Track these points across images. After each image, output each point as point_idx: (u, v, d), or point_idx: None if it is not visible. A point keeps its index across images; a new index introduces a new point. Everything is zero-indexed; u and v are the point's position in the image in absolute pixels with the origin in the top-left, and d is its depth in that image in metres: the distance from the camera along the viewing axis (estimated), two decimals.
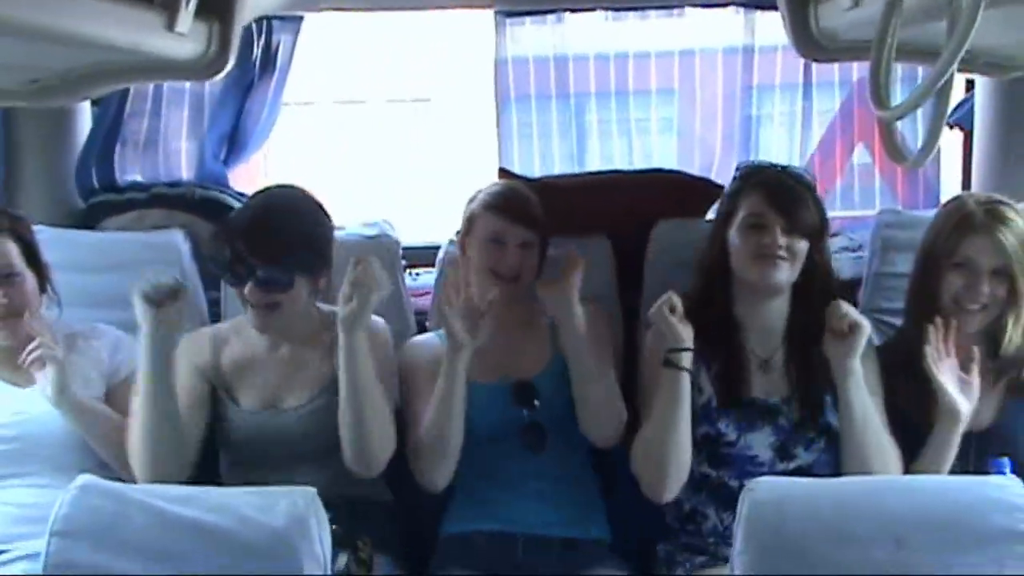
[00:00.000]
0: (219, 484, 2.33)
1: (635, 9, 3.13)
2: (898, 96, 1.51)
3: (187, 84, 3.03)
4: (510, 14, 3.09)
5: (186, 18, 1.71)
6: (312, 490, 1.68)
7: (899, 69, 2.88)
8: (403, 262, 2.72)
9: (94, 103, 2.94)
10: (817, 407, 2.22)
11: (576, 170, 3.21)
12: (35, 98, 1.89)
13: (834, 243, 2.80)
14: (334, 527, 1.68)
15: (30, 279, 2.34)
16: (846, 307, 2.15)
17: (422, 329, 2.61)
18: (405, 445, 2.26)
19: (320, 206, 2.30)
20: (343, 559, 1.99)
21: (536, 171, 3.18)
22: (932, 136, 1.49)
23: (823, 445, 2.22)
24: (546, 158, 3.23)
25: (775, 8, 2.33)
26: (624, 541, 2.38)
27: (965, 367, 2.21)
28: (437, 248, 2.67)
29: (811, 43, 2.17)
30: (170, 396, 2.18)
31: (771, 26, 3.04)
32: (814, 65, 3.12)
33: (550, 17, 3.15)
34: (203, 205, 2.84)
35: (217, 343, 2.34)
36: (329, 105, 7.91)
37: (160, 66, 1.88)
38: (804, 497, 1.63)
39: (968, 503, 1.58)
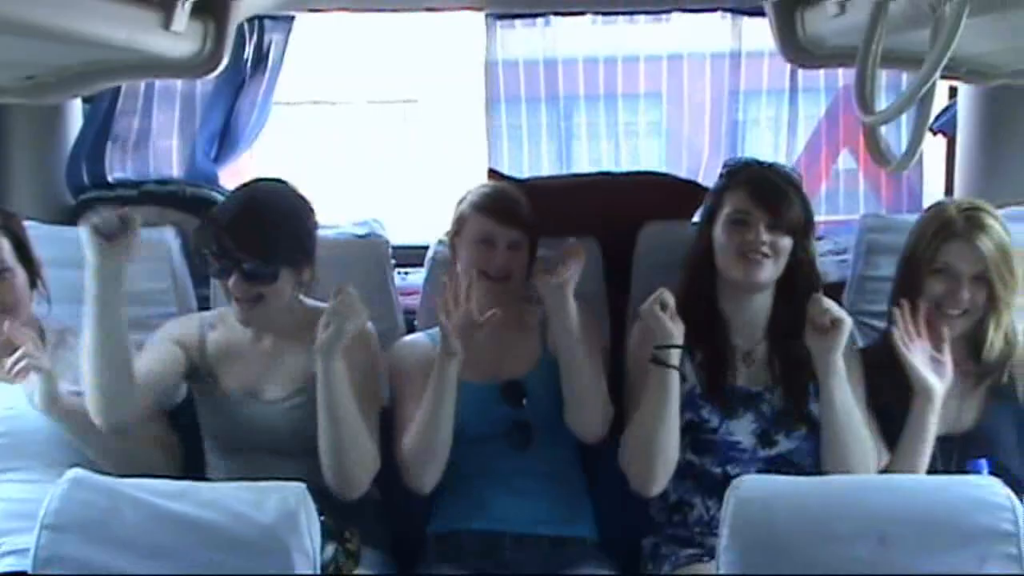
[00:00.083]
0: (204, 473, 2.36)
1: (624, 13, 3.14)
2: (883, 102, 1.54)
3: (178, 82, 3.03)
4: (501, 17, 3.11)
5: (182, 17, 1.73)
6: (302, 486, 1.69)
7: (883, 76, 2.91)
8: (392, 261, 2.72)
9: (85, 100, 2.94)
10: (800, 396, 2.25)
11: (564, 172, 3.23)
12: (30, 95, 1.90)
13: (819, 246, 2.82)
14: (322, 518, 1.69)
15: (21, 275, 2.35)
16: (827, 302, 2.18)
17: (411, 328, 2.62)
18: (393, 445, 2.27)
19: (303, 199, 2.32)
20: (330, 550, 1.99)
21: (525, 173, 3.19)
22: (915, 141, 1.51)
23: (804, 433, 2.25)
24: (535, 160, 3.24)
25: (762, 14, 2.37)
26: (610, 538, 2.39)
27: (937, 347, 2.23)
28: (426, 248, 2.67)
29: (798, 49, 2.20)
30: (118, 329, 2.15)
31: (758, 32, 3.06)
32: (800, 71, 3.13)
33: (540, 20, 3.15)
34: (193, 203, 2.84)
35: (204, 327, 2.36)
36: (315, 105, 7.91)
37: (156, 64, 1.89)
38: (789, 495, 1.66)
39: (951, 502, 1.61)
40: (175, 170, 3.10)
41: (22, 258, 2.36)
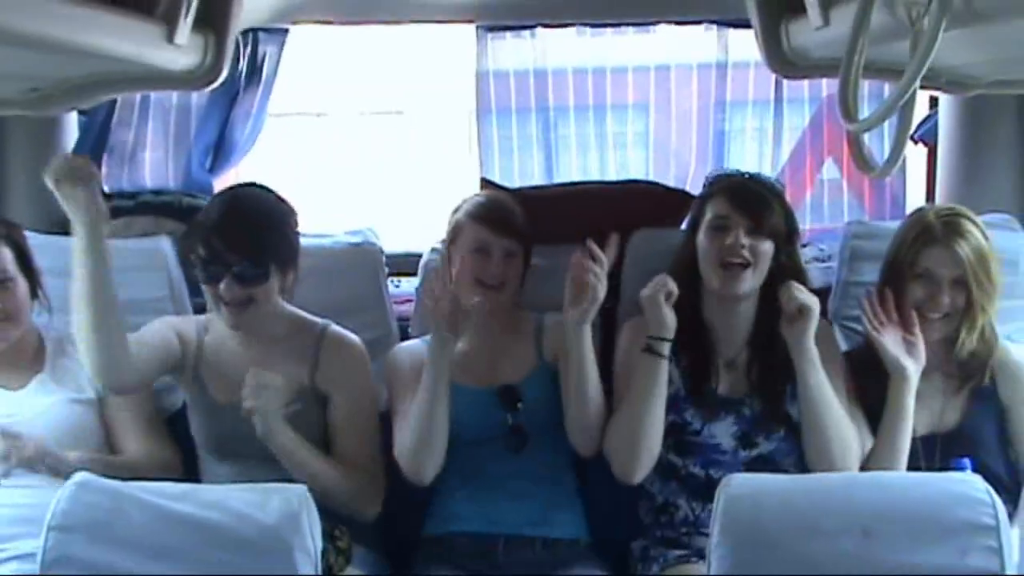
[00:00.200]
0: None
1: (611, 26, 3.17)
2: (865, 111, 1.57)
3: (174, 94, 3.05)
4: (491, 29, 3.13)
5: (185, 30, 1.75)
6: (303, 488, 1.71)
7: (866, 85, 2.94)
8: (386, 269, 2.76)
9: (81, 113, 2.96)
10: (777, 400, 2.30)
11: (554, 181, 3.24)
12: (34, 106, 1.92)
13: (804, 253, 2.86)
14: None
15: (22, 284, 2.37)
16: (796, 288, 2.20)
17: (404, 336, 2.64)
18: (392, 447, 2.30)
19: (284, 201, 2.34)
20: (320, 547, 2.02)
21: (515, 182, 3.20)
22: (897, 148, 1.55)
23: (783, 434, 2.30)
24: (525, 169, 3.26)
25: (747, 26, 2.40)
26: (601, 540, 2.43)
27: (908, 331, 2.27)
28: (419, 256, 2.70)
29: (783, 60, 2.23)
30: (105, 278, 2.15)
31: (744, 42, 3.10)
32: (785, 81, 3.16)
33: (528, 32, 3.17)
34: (189, 212, 2.84)
35: (200, 329, 2.38)
36: (301, 117, 7.92)
37: (157, 76, 1.91)
38: (777, 492, 1.69)
39: (933, 497, 1.64)
40: (171, 181, 3.11)
41: (23, 268, 2.38)
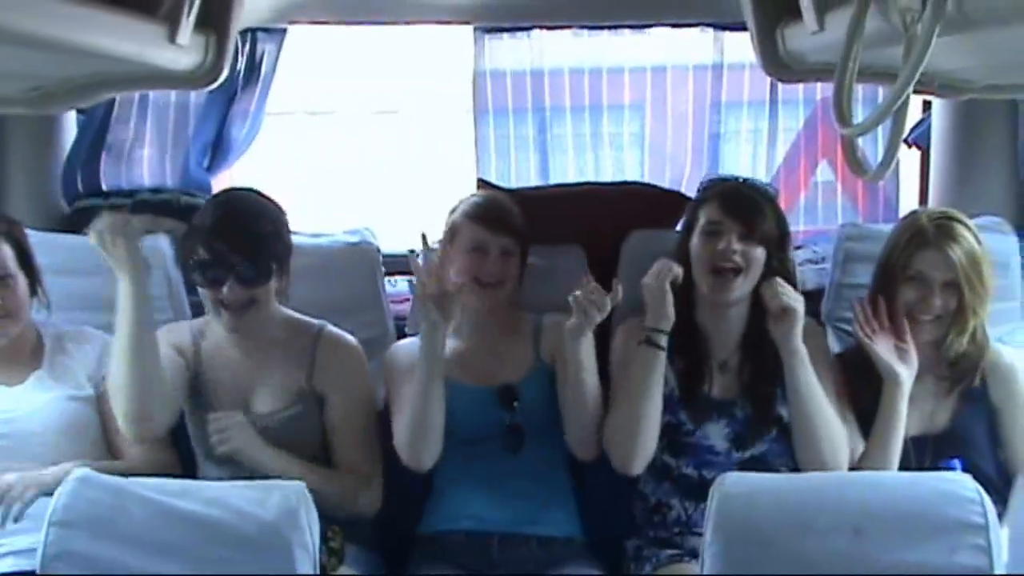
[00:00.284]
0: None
1: (607, 28, 3.18)
2: (860, 114, 1.60)
3: (172, 93, 3.06)
4: (488, 30, 3.14)
5: (187, 30, 1.76)
6: (302, 484, 1.74)
7: (860, 89, 2.96)
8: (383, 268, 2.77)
9: (80, 111, 2.97)
10: (768, 402, 2.32)
11: (550, 182, 3.26)
12: (35, 105, 1.92)
13: (798, 255, 2.88)
14: None
15: (22, 282, 2.38)
16: (780, 286, 2.23)
17: (401, 334, 2.66)
18: (389, 445, 2.31)
19: (275, 203, 2.35)
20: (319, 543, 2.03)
21: (512, 182, 3.22)
22: (890, 152, 1.56)
23: (775, 435, 2.32)
24: (521, 170, 3.27)
25: (743, 29, 2.42)
26: (596, 539, 2.44)
27: (900, 337, 2.29)
28: None
29: (778, 64, 2.24)
30: (149, 332, 2.19)
31: (739, 44, 3.12)
32: (779, 83, 3.21)
33: (526, 33, 3.19)
34: (187, 211, 2.84)
35: (195, 335, 2.38)
36: (294, 116, 7.91)
37: (159, 76, 1.92)
38: (770, 491, 1.72)
39: (923, 496, 1.67)
40: (168, 179, 3.12)
41: (24, 265, 2.39)
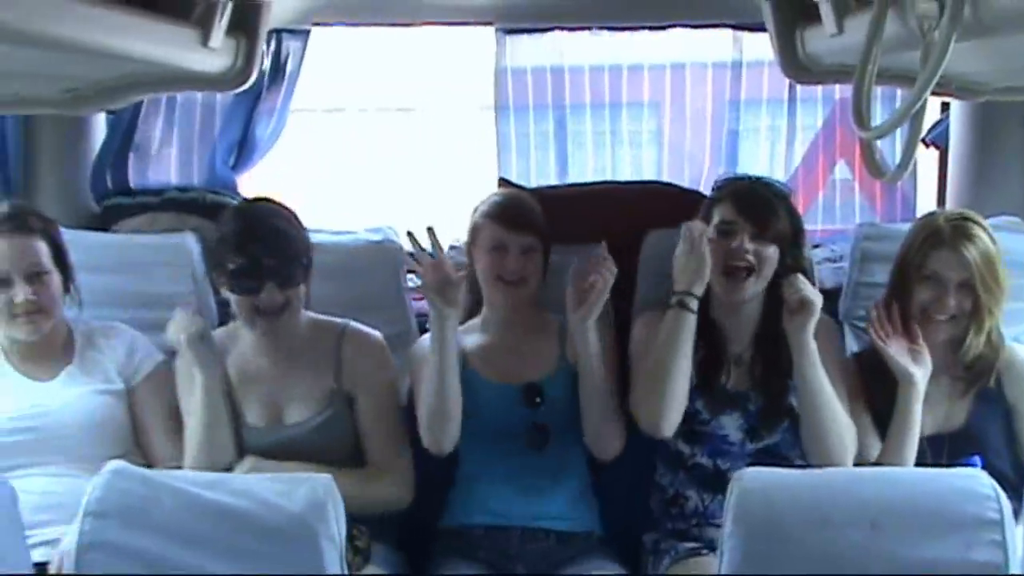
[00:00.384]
0: None
1: (626, 29, 3.19)
2: (878, 115, 1.61)
3: (199, 93, 3.09)
4: (510, 31, 3.16)
5: (219, 34, 1.79)
6: (329, 477, 1.75)
7: (878, 89, 2.96)
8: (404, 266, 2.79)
9: (109, 111, 3.00)
10: (779, 396, 2.34)
11: (569, 180, 3.27)
12: (69, 106, 1.96)
13: (816, 254, 2.90)
14: None
15: (56, 278, 2.41)
16: (800, 282, 2.24)
17: (423, 330, 2.68)
18: (417, 440, 2.33)
19: (292, 211, 2.38)
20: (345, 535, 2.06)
21: (531, 178, 3.24)
22: (908, 153, 1.59)
23: (787, 425, 2.35)
24: (541, 168, 3.28)
25: (762, 29, 2.44)
26: (614, 533, 2.46)
27: (914, 340, 2.31)
28: None
29: (797, 66, 2.26)
30: (222, 411, 2.32)
31: (758, 43, 3.10)
32: None
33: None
34: (213, 209, 2.88)
35: (222, 348, 2.39)
36: (314, 113, 7.93)
37: (190, 78, 1.95)
38: (788, 485, 1.73)
39: (939, 492, 1.68)
40: (195, 178, 3.15)
41: (58, 262, 2.42)
